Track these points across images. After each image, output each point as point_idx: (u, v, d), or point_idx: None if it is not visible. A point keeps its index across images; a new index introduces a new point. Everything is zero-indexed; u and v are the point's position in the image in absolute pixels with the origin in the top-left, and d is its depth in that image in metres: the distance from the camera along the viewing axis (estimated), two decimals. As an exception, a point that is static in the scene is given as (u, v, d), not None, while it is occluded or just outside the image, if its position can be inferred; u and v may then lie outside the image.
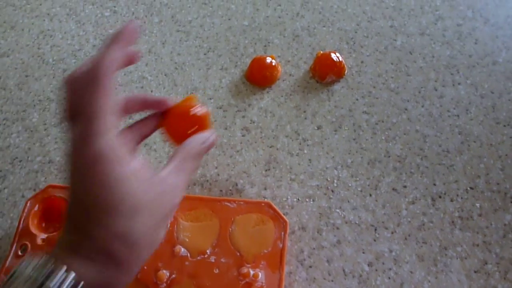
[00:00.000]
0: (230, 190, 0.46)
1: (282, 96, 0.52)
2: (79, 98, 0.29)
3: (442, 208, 0.44)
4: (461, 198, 0.44)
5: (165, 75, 0.56)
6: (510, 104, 0.50)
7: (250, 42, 0.57)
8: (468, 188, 0.45)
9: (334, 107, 0.51)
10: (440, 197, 0.45)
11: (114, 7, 0.63)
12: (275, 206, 0.42)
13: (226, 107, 0.52)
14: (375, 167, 0.47)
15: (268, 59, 0.53)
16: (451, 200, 0.44)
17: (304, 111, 0.51)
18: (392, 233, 0.43)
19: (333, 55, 0.53)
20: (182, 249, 0.41)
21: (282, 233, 0.41)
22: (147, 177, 0.29)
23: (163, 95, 0.53)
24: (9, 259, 0.41)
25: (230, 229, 0.41)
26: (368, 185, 0.45)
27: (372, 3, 0.60)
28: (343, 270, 0.41)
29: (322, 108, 0.51)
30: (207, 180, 0.47)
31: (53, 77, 0.57)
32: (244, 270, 0.39)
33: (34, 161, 0.50)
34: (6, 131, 0.53)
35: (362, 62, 0.54)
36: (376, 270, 0.41)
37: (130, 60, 0.33)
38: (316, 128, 0.50)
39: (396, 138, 0.48)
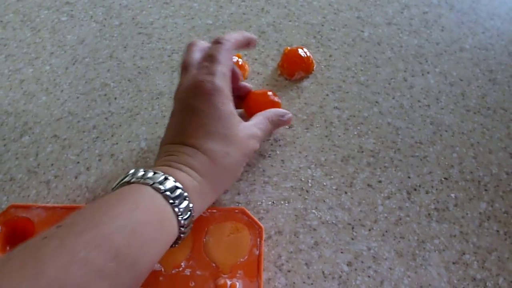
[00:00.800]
0: (203, 197, 0.44)
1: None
2: (207, 52, 0.40)
3: (417, 201, 0.43)
4: (436, 189, 0.44)
5: (128, 80, 0.53)
6: (479, 91, 0.50)
7: (215, 41, 0.55)
8: (443, 179, 0.45)
9: (304, 104, 0.50)
10: (415, 189, 0.44)
11: (71, 11, 0.61)
12: (249, 212, 0.40)
13: (194, 110, 0.50)
14: (349, 164, 0.46)
15: (235, 59, 0.51)
16: (426, 192, 0.44)
17: (274, 110, 0.50)
18: (370, 230, 0.42)
19: (300, 51, 0.51)
20: (156, 264, 0.39)
21: (258, 239, 0.39)
22: (240, 120, 0.39)
23: (127, 102, 0.51)
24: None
25: (204, 239, 0.40)
26: (343, 183, 0.45)
27: (337, -6, 0.59)
28: (323, 272, 0.40)
29: (292, 106, 0.50)
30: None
31: (10, 89, 0.54)
32: (221, 281, 0.38)
33: (-5, 180, 0.48)
34: (-38, 150, 0.50)
35: (330, 56, 0.53)
36: (356, 269, 0.40)
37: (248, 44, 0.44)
38: (287, 127, 0.48)
39: (368, 132, 0.48)
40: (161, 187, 0.32)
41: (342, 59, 0.53)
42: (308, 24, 0.56)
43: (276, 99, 0.47)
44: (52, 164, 0.47)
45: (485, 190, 0.44)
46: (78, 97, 0.52)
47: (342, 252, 0.41)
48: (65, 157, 0.48)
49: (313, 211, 0.43)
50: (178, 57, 0.55)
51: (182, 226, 0.33)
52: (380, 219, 0.43)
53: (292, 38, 0.55)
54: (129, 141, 0.48)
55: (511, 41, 0.54)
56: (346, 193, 0.44)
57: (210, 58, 0.39)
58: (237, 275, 0.38)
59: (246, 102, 0.47)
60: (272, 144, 0.47)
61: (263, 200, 0.44)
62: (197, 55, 0.41)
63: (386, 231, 0.42)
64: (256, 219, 0.40)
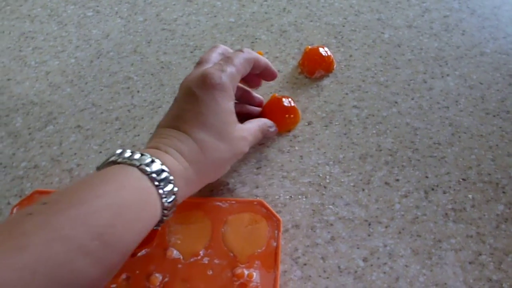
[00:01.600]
0: (221, 189, 0.45)
1: (271, 93, 0.51)
2: (226, 54, 0.43)
3: (435, 201, 0.44)
4: (454, 190, 0.44)
5: (151, 75, 0.55)
6: (499, 94, 0.50)
7: (237, 39, 0.56)
8: (460, 180, 0.45)
9: (324, 102, 0.50)
10: (432, 189, 0.44)
11: (97, 6, 0.62)
12: (267, 205, 0.41)
13: (215, 105, 0.51)
14: (366, 162, 0.46)
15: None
16: (444, 193, 0.44)
17: (294, 107, 0.50)
18: (386, 227, 0.42)
19: (321, 50, 0.52)
20: (175, 252, 0.40)
21: (276, 231, 0.40)
22: (236, 121, 0.40)
23: (150, 96, 0.52)
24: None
25: (223, 229, 0.40)
26: (361, 180, 0.45)
27: (358, -4, 0.59)
28: (338, 267, 0.40)
29: (312, 104, 0.50)
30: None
31: (36, 80, 0.55)
32: (238, 270, 0.38)
33: (19, 167, 0.49)
34: (-11, 137, 0.52)
35: (350, 56, 0.54)
36: (371, 265, 0.40)
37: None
38: (306, 124, 0.49)
39: (387, 131, 0.48)
40: (148, 169, 0.32)
41: (362, 60, 0.53)
42: (329, 24, 0.57)
43: (290, 102, 0.49)
44: (75, 153, 0.49)
45: (503, 192, 0.44)
46: (101, 90, 0.53)
47: (358, 248, 0.41)
48: (87, 146, 0.49)
49: (330, 206, 0.44)
50: (200, 53, 0.56)
51: (166, 209, 0.34)
52: (397, 217, 0.43)
53: (313, 38, 0.56)
54: (150, 133, 0.49)
55: (532, 47, 0.54)
56: (363, 190, 0.44)
57: (226, 59, 0.41)
58: (254, 265, 0.39)
59: (266, 113, 0.48)
60: (291, 140, 0.48)
61: (281, 194, 0.44)
62: (215, 55, 0.43)
63: (403, 229, 0.42)
64: (274, 211, 0.41)
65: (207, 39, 0.57)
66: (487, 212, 0.43)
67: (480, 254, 0.41)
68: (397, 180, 0.45)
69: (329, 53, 0.52)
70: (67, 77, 0.55)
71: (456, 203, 0.43)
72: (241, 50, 0.42)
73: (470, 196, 0.44)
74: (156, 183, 0.33)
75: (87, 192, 0.30)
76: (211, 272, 0.39)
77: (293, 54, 0.54)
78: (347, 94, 0.51)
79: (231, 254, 0.39)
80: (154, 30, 0.58)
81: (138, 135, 0.49)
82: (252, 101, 0.49)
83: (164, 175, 0.33)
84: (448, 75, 0.52)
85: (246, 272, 0.38)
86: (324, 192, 0.44)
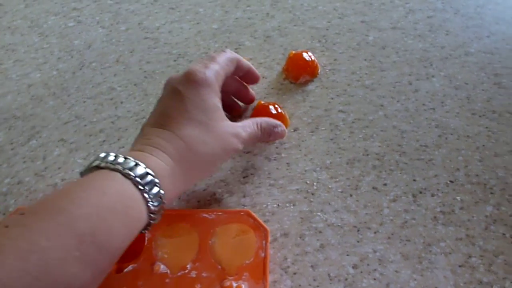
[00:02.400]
0: (209, 200, 0.45)
1: (256, 99, 0.51)
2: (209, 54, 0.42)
3: (423, 204, 0.43)
4: (442, 192, 0.44)
5: (134, 85, 0.54)
6: (484, 94, 0.50)
7: (220, 46, 0.56)
8: (448, 182, 0.45)
9: (309, 107, 0.50)
10: (421, 192, 0.44)
11: (78, 16, 0.61)
12: (254, 215, 0.41)
13: (200, 114, 0.51)
14: (354, 167, 0.46)
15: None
16: (432, 195, 0.44)
17: (280, 114, 0.50)
18: (375, 233, 0.42)
19: (305, 54, 0.52)
20: (162, 266, 0.39)
21: (264, 241, 0.39)
22: (224, 117, 0.39)
23: (134, 106, 0.52)
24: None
25: (210, 241, 0.40)
26: (349, 186, 0.45)
27: (342, -1, 0.59)
28: (328, 275, 0.40)
29: (297, 109, 0.50)
30: (184, 192, 0.45)
31: (18, 94, 0.55)
32: (227, 283, 0.38)
33: (3, 183, 0.48)
34: (-29, 153, 0.51)
35: (335, 60, 0.54)
36: (361, 272, 0.40)
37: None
38: (292, 130, 0.49)
39: (373, 135, 0.48)
40: (131, 173, 0.32)
41: (347, 63, 0.53)
42: (313, 28, 0.56)
43: (278, 108, 0.48)
44: (59, 168, 0.48)
45: (491, 193, 0.44)
46: (85, 101, 0.53)
47: (348, 255, 0.41)
48: (72, 160, 0.48)
49: (319, 213, 0.43)
50: (184, 61, 0.55)
51: (152, 213, 0.33)
52: (386, 222, 0.43)
53: (297, 43, 0.55)
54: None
55: (516, 45, 0.54)
56: (351, 195, 0.44)
57: (210, 57, 0.41)
58: (243, 277, 0.38)
59: (252, 116, 0.48)
60: (277, 147, 0.47)
61: (269, 203, 0.44)
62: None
63: (392, 234, 0.42)
64: (261, 221, 0.40)
65: (190, 46, 0.56)
66: (476, 213, 0.43)
67: (470, 257, 0.40)
68: (385, 184, 0.45)
69: (313, 57, 0.52)
70: (50, 89, 0.54)
71: (444, 206, 0.43)
72: (223, 50, 0.42)
73: (458, 198, 0.44)
74: (141, 187, 0.32)
75: (66, 201, 0.29)
76: (199, 286, 0.38)
77: (277, 60, 0.54)
78: (332, 98, 0.50)
79: (219, 267, 0.39)
80: (137, 39, 0.58)
81: (123, 147, 0.49)
82: (246, 97, 0.49)
83: (149, 178, 0.32)
84: (433, 76, 0.52)
85: (234, 284, 0.38)
86: (312, 199, 0.44)
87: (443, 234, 0.42)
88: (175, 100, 0.38)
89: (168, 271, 0.39)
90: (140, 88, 0.53)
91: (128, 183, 0.32)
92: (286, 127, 0.48)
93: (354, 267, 0.40)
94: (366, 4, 0.58)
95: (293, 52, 0.53)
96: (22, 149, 0.50)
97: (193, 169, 0.37)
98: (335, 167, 0.46)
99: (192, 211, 0.42)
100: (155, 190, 0.33)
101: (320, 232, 0.42)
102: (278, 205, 0.44)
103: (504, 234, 0.41)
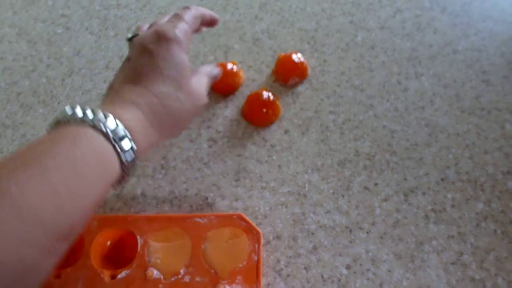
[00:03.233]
0: (201, 204, 0.45)
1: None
2: (174, 12, 0.42)
3: (415, 203, 0.44)
4: (433, 191, 0.44)
5: (124, 90, 0.54)
6: (473, 92, 0.50)
7: (209, 50, 0.56)
8: (439, 180, 0.45)
9: (299, 109, 0.50)
10: (412, 191, 0.44)
11: (67, 23, 0.61)
12: (247, 218, 0.41)
13: (191, 118, 0.51)
14: (345, 168, 0.46)
15: (229, 66, 0.52)
16: (423, 194, 0.44)
17: (270, 116, 0.50)
18: (368, 233, 0.42)
19: (294, 56, 0.52)
20: (155, 272, 0.39)
21: (256, 245, 0.40)
22: (192, 74, 0.40)
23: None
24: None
25: (203, 246, 0.40)
26: (340, 187, 0.45)
27: (330, 0, 0.59)
28: (322, 276, 0.40)
29: (288, 111, 0.50)
30: (176, 197, 0.45)
31: (7, 102, 0.54)
32: (220, 287, 0.38)
33: (-7, 193, 0.48)
34: (-39, 163, 0.50)
35: (324, 61, 0.54)
36: (355, 272, 0.40)
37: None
38: (283, 132, 0.49)
39: (364, 136, 0.48)
40: (103, 127, 0.31)
41: (336, 64, 0.53)
42: (302, 30, 0.57)
43: (269, 95, 0.50)
44: (50, 175, 0.47)
45: (482, 190, 0.44)
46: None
47: (340, 256, 0.41)
48: (63, 168, 0.48)
49: (311, 215, 0.43)
50: (173, 66, 0.55)
51: (125, 167, 0.33)
52: (378, 222, 0.43)
53: (286, 45, 0.55)
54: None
55: (503, 42, 0.54)
56: (343, 196, 0.44)
57: (176, 16, 0.41)
58: (236, 280, 0.38)
59: (245, 111, 0.50)
60: (269, 150, 0.48)
61: (261, 206, 0.44)
62: (165, 19, 0.43)
63: (384, 234, 0.42)
64: (254, 224, 0.40)
65: (180, 51, 0.56)
66: (467, 211, 0.43)
67: (462, 254, 0.41)
68: (376, 184, 0.45)
69: (302, 59, 0.52)
70: (39, 97, 0.54)
71: (436, 204, 0.43)
72: (187, 7, 0.43)
73: (449, 196, 0.44)
74: (113, 141, 0.32)
75: (37, 154, 0.28)
76: (192, 291, 0.38)
77: (267, 62, 0.54)
78: (322, 100, 0.51)
79: (212, 271, 0.39)
80: (126, 45, 0.58)
81: (114, 153, 0.48)
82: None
83: (121, 132, 0.32)
84: (422, 75, 0.52)
85: (228, 288, 0.38)
86: (304, 201, 0.44)
87: (434, 232, 0.42)
88: (147, 58, 0.38)
89: (162, 277, 0.39)
90: (130, 94, 0.53)
91: (99, 136, 0.31)
92: (278, 115, 0.50)
93: (347, 267, 0.40)
94: (354, 5, 0.58)
95: (282, 54, 0.53)
96: (12, 158, 0.50)
97: (166, 124, 0.38)
98: (326, 169, 0.46)
99: (184, 215, 0.42)
100: (127, 143, 0.33)
101: (312, 233, 0.42)
102: (270, 207, 0.44)
103: (495, 230, 0.42)
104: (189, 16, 0.41)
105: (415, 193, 0.44)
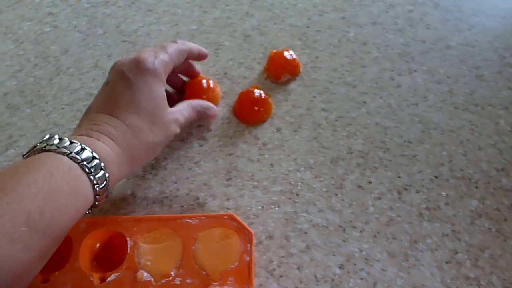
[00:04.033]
0: (192, 205, 0.44)
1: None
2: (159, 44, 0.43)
3: (408, 201, 0.43)
4: (427, 188, 0.44)
5: (113, 89, 0.53)
6: (466, 87, 0.50)
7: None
8: (433, 177, 0.44)
9: (291, 107, 0.49)
10: (405, 189, 0.44)
11: (54, 21, 0.60)
12: (238, 218, 0.40)
13: (181, 117, 0.50)
14: (338, 165, 0.45)
15: (204, 83, 0.50)
16: (417, 192, 0.44)
17: (262, 114, 0.49)
18: (361, 232, 0.42)
19: (286, 53, 0.51)
20: (145, 274, 0.38)
21: (248, 245, 0.39)
22: (167, 105, 0.41)
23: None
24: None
25: (194, 247, 0.39)
26: (333, 185, 0.44)
27: (321, -4, 0.58)
28: (315, 276, 0.40)
29: (279, 109, 0.49)
30: (167, 197, 0.44)
31: (-6, 102, 0.53)
32: (212, 289, 0.37)
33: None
34: None
35: (316, 57, 0.53)
36: (348, 272, 0.40)
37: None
38: (275, 130, 0.48)
39: (357, 133, 0.47)
40: (78, 157, 0.33)
41: (328, 61, 0.53)
42: (293, 26, 0.56)
43: (261, 93, 0.49)
44: (38, 177, 0.47)
45: (476, 187, 0.44)
46: (63, 108, 0.51)
47: (334, 255, 0.40)
48: (51, 169, 0.47)
49: (304, 214, 0.43)
50: (163, 64, 0.54)
51: (98, 195, 0.34)
52: (371, 220, 0.42)
53: (277, 41, 0.55)
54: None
55: (496, 37, 0.54)
56: (336, 195, 0.44)
57: (160, 47, 0.42)
58: (228, 282, 0.37)
59: (236, 109, 0.49)
60: (260, 148, 0.47)
61: (253, 205, 0.43)
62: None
63: (378, 232, 0.42)
64: (245, 224, 0.40)
65: (169, 48, 0.55)
66: (461, 208, 0.43)
67: (457, 252, 0.40)
68: (370, 182, 0.44)
69: (294, 56, 0.51)
70: (26, 97, 0.53)
71: (429, 202, 0.43)
72: (174, 41, 0.44)
73: (443, 193, 0.43)
74: (87, 170, 0.33)
75: (14, 181, 0.30)
76: (183, 293, 0.37)
77: (258, 59, 0.53)
78: (314, 97, 0.50)
79: (204, 272, 0.38)
80: (114, 43, 0.57)
81: (103, 153, 0.48)
82: (191, 74, 0.51)
83: (95, 162, 0.34)
84: (415, 71, 0.51)
85: (219, 290, 0.37)
86: (296, 200, 0.43)
87: (428, 230, 0.41)
88: (124, 87, 0.39)
89: (152, 279, 0.38)
90: (119, 93, 0.52)
91: (74, 166, 0.33)
92: (269, 113, 0.49)
93: (341, 267, 0.40)
94: (346, 0, 0.58)
95: (274, 51, 0.52)
96: (0, 159, 0.49)
97: (138, 155, 0.39)
98: (319, 167, 0.45)
99: (175, 216, 0.41)
100: (101, 173, 0.34)
101: (305, 233, 0.42)
102: (262, 207, 0.43)
103: (489, 228, 0.41)
104: (173, 49, 0.42)
105: (409, 191, 0.44)
